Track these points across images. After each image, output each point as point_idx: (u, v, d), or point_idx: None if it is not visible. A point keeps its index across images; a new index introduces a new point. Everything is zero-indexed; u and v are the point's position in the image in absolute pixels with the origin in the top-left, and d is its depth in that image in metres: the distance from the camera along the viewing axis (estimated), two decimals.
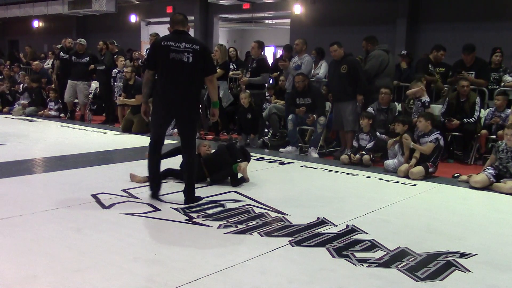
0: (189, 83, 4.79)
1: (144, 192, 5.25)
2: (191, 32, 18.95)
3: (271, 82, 9.61)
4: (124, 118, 9.88)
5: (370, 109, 7.68)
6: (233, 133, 9.15)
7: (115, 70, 10.63)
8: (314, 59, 8.90)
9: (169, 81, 4.80)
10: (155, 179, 5.08)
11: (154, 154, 5.04)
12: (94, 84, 12.48)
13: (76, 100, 11.93)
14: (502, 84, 8.25)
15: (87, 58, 11.06)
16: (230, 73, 10.05)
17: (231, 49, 11.13)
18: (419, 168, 6.41)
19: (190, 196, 4.99)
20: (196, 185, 5.62)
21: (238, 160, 5.83)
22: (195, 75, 4.80)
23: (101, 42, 11.30)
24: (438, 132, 6.63)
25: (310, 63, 8.47)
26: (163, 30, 15.83)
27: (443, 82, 8.50)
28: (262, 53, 9.65)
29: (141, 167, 5.51)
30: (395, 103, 8.34)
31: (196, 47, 4.75)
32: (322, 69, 8.78)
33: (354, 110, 7.83)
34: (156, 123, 5.03)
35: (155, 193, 5.07)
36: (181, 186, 5.53)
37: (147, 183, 5.22)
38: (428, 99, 7.64)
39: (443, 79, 8.54)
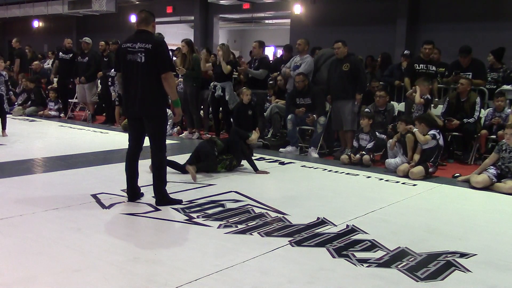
0: (146, 83, 4.70)
1: (144, 192, 5.24)
2: (191, 32, 19.06)
3: (270, 82, 9.61)
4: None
5: (367, 110, 7.68)
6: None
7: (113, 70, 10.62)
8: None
9: (127, 82, 4.83)
10: (132, 192, 4.98)
11: (130, 158, 4.96)
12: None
13: (75, 100, 11.96)
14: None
15: (87, 58, 11.06)
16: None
17: None
18: (419, 168, 6.41)
19: (158, 196, 4.88)
20: (197, 185, 5.65)
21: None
22: (150, 75, 4.69)
23: (103, 42, 11.26)
24: (438, 136, 6.60)
25: (310, 64, 8.44)
26: (163, 30, 15.78)
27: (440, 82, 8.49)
28: (263, 53, 9.66)
29: (141, 167, 5.50)
30: (394, 103, 8.34)
31: (148, 46, 4.66)
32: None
33: (353, 110, 7.84)
34: (128, 124, 5.11)
35: (131, 198, 4.98)
36: (181, 186, 5.54)
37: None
38: (429, 97, 7.61)
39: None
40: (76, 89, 11.74)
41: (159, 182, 4.88)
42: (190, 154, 6.39)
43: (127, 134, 5.11)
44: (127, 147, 5.03)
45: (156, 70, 4.69)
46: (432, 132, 6.55)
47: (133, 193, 4.98)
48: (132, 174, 4.96)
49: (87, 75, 11.06)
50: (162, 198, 4.87)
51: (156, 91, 4.74)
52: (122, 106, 5.03)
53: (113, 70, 10.51)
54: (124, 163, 4.99)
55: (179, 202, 4.93)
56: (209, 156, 6.22)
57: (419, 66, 8.10)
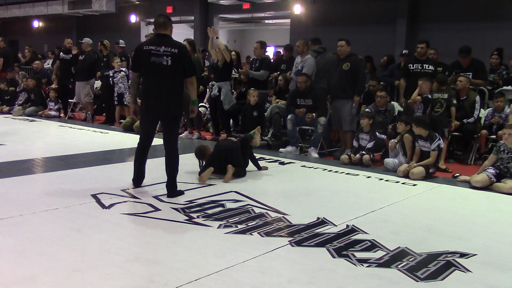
0: (170, 85, 5.04)
1: (144, 192, 5.26)
2: (191, 32, 19.06)
3: (272, 81, 9.61)
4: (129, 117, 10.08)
5: (368, 110, 7.67)
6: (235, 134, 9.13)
7: (111, 70, 10.61)
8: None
9: (150, 83, 5.10)
10: (138, 178, 5.36)
11: (141, 154, 5.31)
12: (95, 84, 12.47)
13: (75, 100, 11.95)
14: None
15: (83, 56, 11.04)
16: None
17: None
18: (420, 169, 6.40)
19: (172, 189, 5.21)
20: (197, 185, 5.65)
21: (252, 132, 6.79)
22: (175, 77, 5.06)
23: (99, 42, 11.28)
24: (439, 138, 6.58)
25: (312, 65, 8.42)
26: None
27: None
28: (265, 53, 9.66)
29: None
30: (393, 103, 8.34)
31: (174, 51, 4.99)
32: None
33: (351, 110, 7.85)
34: (143, 122, 5.38)
35: (137, 184, 5.40)
36: (181, 186, 5.55)
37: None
38: (429, 96, 7.59)
39: None
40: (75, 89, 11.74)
41: (174, 175, 5.21)
42: (193, 153, 6.37)
43: (127, 134, 5.18)
44: (138, 142, 5.31)
45: (180, 73, 5.06)
46: (436, 144, 6.46)
47: (139, 179, 5.35)
48: (141, 161, 5.31)
49: (78, 71, 11.04)
50: (175, 191, 5.21)
51: (179, 92, 5.12)
52: (141, 105, 5.34)
53: (112, 70, 10.53)
54: (124, 163, 5.05)
55: (181, 193, 5.27)
56: (242, 167, 6.28)
57: (413, 66, 8.16)
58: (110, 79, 10.59)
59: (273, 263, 3.55)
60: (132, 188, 5.38)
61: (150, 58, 4.98)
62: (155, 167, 5.84)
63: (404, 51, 10.23)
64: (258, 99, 8.43)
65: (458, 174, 6.61)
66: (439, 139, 6.57)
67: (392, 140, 7.08)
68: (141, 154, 5.31)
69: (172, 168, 5.20)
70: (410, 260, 3.69)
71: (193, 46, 9.25)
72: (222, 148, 6.24)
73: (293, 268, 3.49)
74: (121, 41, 11.74)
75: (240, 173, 6.16)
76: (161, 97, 5.04)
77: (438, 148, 6.51)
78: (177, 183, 5.28)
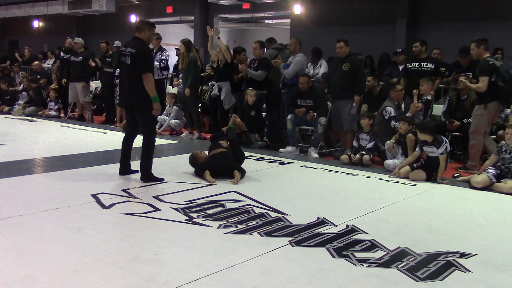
0: (132, 81, 5.64)
1: (144, 192, 5.26)
2: (191, 32, 19.07)
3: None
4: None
5: (390, 109, 7.39)
6: None
7: (118, 70, 10.59)
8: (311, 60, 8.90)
9: (120, 79, 6.06)
10: (124, 158, 5.94)
11: (127, 138, 5.97)
12: (94, 84, 12.47)
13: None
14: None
15: (81, 57, 11.02)
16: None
17: None
18: (422, 174, 6.29)
19: (144, 173, 5.71)
20: (197, 185, 5.65)
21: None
22: (133, 75, 5.62)
23: (104, 44, 11.25)
24: (445, 141, 6.39)
25: (299, 63, 8.37)
26: (163, 30, 15.72)
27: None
28: (264, 53, 9.67)
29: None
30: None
31: (132, 51, 5.60)
32: (322, 69, 8.76)
33: (351, 110, 7.84)
34: (126, 114, 6.33)
35: (123, 171, 5.93)
36: (182, 186, 5.56)
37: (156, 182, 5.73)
38: (429, 98, 7.56)
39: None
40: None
41: (147, 160, 5.72)
42: (189, 154, 6.37)
43: None
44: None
45: (138, 71, 5.56)
46: (444, 147, 6.30)
47: (125, 168, 5.93)
48: (125, 151, 5.93)
49: (85, 77, 11.03)
50: (147, 176, 5.69)
51: (139, 87, 5.60)
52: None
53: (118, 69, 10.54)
54: None
55: (161, 179, 5.71)
56: (241, 168, 6.24)
57: (411, 65, 8.22)
58: (115, 78, 10.58)
59: (273, 263, 3.54)
60: (132, 188, 5.40)
61: (121, 58, 5.81)
62: (155, 167, 5.85)
63: (398, 50, 10.23)
64: (254, 98, 8.43)
65: (458, 174, 6.61)
66: (446, 142, 6.41)
67: (389, 141, 7.04)
68: (126, 139, 5.94)
69: (146, 157, 5.71)
70: (410, 260, 3.69)
71: (187, 46, 9.20)
72: (216, 160, 6.13)
73: (293, 268, 3.49)
74: (116, 42, 11.79)
75: (242, 174, 6.17)
76: (125, 91, 5.79)
77: (446, 151, 6.36)
78: (177, 183, 5.28)
